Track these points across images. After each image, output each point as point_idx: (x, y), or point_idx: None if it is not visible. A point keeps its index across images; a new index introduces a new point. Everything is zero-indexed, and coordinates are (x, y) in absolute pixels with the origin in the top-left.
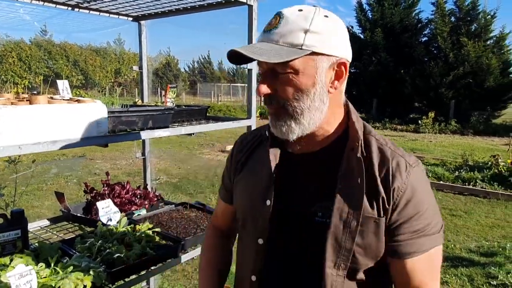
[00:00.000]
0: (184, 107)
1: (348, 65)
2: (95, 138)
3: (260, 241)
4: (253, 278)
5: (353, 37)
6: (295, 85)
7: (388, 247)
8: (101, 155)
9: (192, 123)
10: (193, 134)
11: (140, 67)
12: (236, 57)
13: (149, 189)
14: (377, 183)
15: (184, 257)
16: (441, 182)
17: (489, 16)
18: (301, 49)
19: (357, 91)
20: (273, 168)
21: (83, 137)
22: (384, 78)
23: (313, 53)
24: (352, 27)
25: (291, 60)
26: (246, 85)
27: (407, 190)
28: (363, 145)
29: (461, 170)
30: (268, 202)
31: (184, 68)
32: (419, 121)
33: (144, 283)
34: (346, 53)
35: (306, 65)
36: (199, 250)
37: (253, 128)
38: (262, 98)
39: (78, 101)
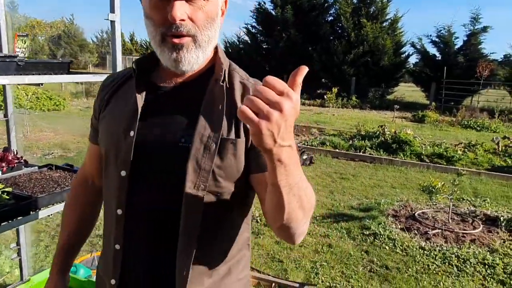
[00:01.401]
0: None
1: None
2: None
3: (123, 173)
4: (119, 212)
5: (265, 13)
6: (206, 13)
7: (251, 164)
8: None
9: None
10: (41, 84)
11: None
12: None
13: (11, 152)
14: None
15: (38, 215)
16: (337, 150)
17: (385, 0)
18: None
19: (269, 66)
20: (138, 100)
21: None
22: (293, 54)
23: None
24: (264, 2)
25: None
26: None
27: None
28: (227, 78)
29: (354, 139)
30: (131, 133)
31: (92, 39)
32: (325, 96)
33: (15, 255)
34: None
35: None
36: (57, 208)
37: None
38: (162, 28)
39: None
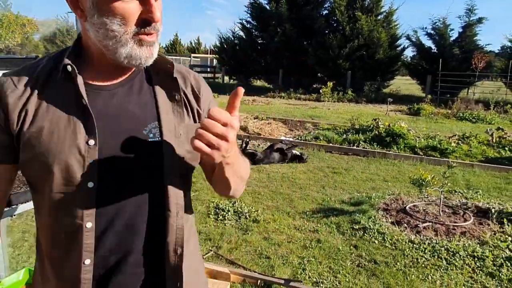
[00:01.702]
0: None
1: None
2: None
3: (91, 184)
4: (88, 225)
5: (260, 8)
6: (161, 9)
7: None
8: None
9: None
10: None
11: None
12: None
13: None
14: (188, 96)
15: None
16: (331, 144)
17: None
18: None
19: (264, 61)
20: (89, 104)
21: None
22: (288, 49)
23: None
24: None
25: None
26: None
27: (210, 93)
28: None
29: (348, 133)
30: (91, 142)
31: None
32: (320, 91)
33: None
34: None
35: None
36: (21, 208)
37: None
38: (136, 27)
39: None
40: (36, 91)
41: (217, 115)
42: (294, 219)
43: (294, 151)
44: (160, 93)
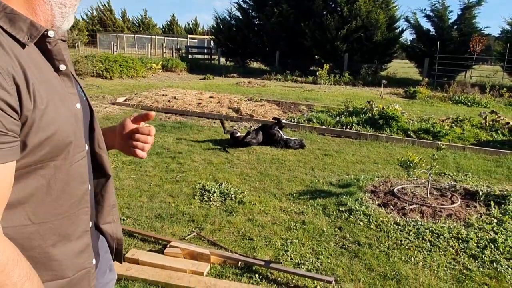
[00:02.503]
0: None
1: None
2: None
3: (87, 146)
4: (89, 188)
5: None
6: None
7: None
8: None
9: None
10: None
11: None
12: None
13: None
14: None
15: None
16: (324, 126)
17: None
18: None
19: (261, 43)
20: (71, 71)
21: None
22: (285, 30)
23: None
24: None
25: None
26: (153, 36)
27: None
28: None
29: (342, 116)
30: (79, 106)
31: (82, 16)
32: (317, 73)
33: None
34: None
35: None
36: None
37: None
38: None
39: None
40: (21, 60)
41: (147, 130)
42: (281, 201)
43: (288, 137)
44: (69, 59)
